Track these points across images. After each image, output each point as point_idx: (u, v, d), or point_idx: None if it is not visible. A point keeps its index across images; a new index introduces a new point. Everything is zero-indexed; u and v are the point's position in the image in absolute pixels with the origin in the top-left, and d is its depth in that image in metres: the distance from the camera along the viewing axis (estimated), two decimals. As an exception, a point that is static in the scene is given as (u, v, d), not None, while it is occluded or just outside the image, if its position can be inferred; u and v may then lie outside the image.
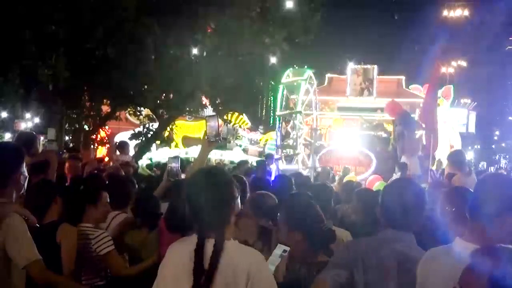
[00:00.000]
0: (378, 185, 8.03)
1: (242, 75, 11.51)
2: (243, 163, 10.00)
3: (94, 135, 12.41)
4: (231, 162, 15.21)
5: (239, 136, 21.82)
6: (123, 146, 9.20)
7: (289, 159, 13.27)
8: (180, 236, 2.34)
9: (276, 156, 13.06)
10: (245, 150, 20.51)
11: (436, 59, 11.96)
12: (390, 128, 16.84)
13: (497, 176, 2.59)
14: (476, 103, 34.82)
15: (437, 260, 2.22)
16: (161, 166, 10.49)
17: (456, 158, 6.38)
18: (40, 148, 6.05)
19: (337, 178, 9.91)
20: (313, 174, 12.10)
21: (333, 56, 24.06)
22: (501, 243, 1.98)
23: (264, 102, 24.75)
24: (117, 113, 12.44)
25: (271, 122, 22.36)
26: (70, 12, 9.10)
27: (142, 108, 12.47)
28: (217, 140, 3.23)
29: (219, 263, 2.02)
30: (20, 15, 8.86)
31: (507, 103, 43.27)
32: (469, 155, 33.12)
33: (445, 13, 36.13)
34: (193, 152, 16.78)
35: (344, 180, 8.72)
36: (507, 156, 42.11)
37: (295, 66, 13.64)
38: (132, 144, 12.32)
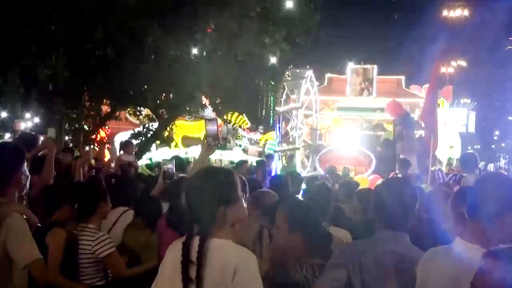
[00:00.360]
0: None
1: (242, 75, 11.52)
2: (243, 163, 10.01)
3: (94, 135, 12.42)
4: (231, 162, 15.20)
5: (239, 136, 21.82)
6: (127, 145, 9.22)
7: (290, 157, 13.26)
8: (179, 234, 2.36)
9: (276, 149, 13.08)
10: (245, 150, 20.51)
11: (436, 59, 11.93)
12: (389, 128, 16.85)
13: (496, 176, 2.59)
14: (476, 103, 34.81)
15: (437, 260, 2.22)
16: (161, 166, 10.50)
17: (467, 159, 6.78)
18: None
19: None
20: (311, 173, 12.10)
21: (333, 56, 24.03)
22: (501, 243, 1.99)
23: (264, 102, 24.77)
24: (117, 113, 12.44)
25: (271, 122, 22.38)
26: (70, 12, 9.10)
27: (142, 108, 12.48)
28: (217, 144, 3.24)
29: (207, 260, 2.08)
30: (20, 15, 8.86)
31: (507, 103, 43.21)
32: (469, 155, 32.93)
33: (445, 13, 36.10)
34: (193, 152, 16.77)
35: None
36: (507, 156, 42.05)
37: (291, 66, 13.63)
38: (132, 144, 12.34)
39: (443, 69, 30.27)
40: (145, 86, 10.89)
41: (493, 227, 2.06)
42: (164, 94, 11.60)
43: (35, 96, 12.64)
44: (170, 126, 12.68)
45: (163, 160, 4.31)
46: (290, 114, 13.41)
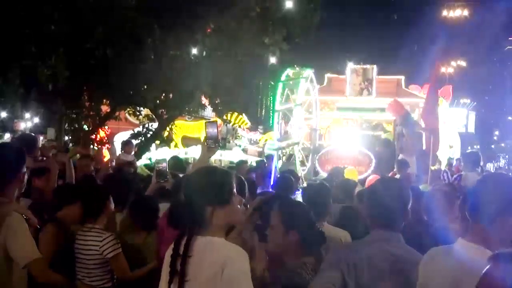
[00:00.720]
0: None
1: (242, 75, 11.51)
2: (242, 163, 10.01)
3: (94, 135, 12.42)
4: (231, 162, 15.20)
5: (239, 136, 21.80)
6: (126, 145, 9.23)
7: (289, 156, 13.26)
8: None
9: (276, 146, 13.06)
10: (244, 150, 20.48)
11: (436, 60, 11.92)
12: (389, 128, 16.85)
13: (497, 176, 2.58)
14: (475, 103, 34.83)
15: (439, 260, 2.21)
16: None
17: (469, 157, 7.30)
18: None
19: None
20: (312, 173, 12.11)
21: (333, 56, 24.03)
22: (502, 244, 1.98)
23: (264, 102, 24.75)
24: (117, 113, 12.44)
25: (271, 121, 22.36)
26: (70, 12, 9.10)
27: (141, 108, 12.48)
28: (217, 146, 3.26)
29: (196, 255, 2.14)
30: (20, 15, 8.86)
31: (507, 103, 43.23)
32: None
33: (444, 13, 36.11)
34: (193, 152, 16.76)
35: (345, 177, 8.70)
36: (507, 156, 42.07)
37: (295, 66, 13.64)
38: (132, 144, 12.34)
39: (443, 69, 30.26)
40: (145, 86, 10.88)
41: (495, 228, 2.06)
42: (164, 94, 11.60)
43: (35, 96, 12.66)
44: (170, 126, 12.68)
45: (156, 159, 4.31)
46: (290, 113, 13.42)
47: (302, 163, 13.07)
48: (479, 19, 34.03)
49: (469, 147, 28.52)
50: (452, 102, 22.55)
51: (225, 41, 10.83)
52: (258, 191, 5.29)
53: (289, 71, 13.36)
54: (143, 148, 12.14)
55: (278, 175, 7.52)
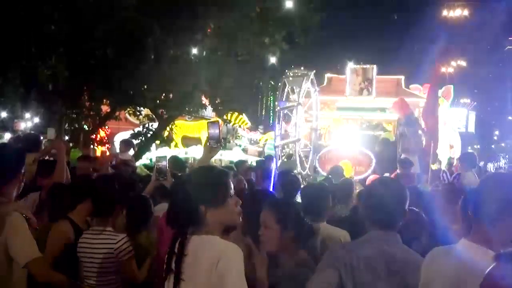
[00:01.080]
0: None
1: (242, 75, 11.51)
2: (242, 163, 10.01)
3: (94, 135, 12.41)
4: (231, 162, 15.20)
5: (239, 136, 21.82)
6: (121, 144, 9.23)
7: (289, 156, 13.25)
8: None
9: (276, 143, 13.04)
10: (244, 150, 20.51)
11: (436, 60, 11.89)
12: (389, 127, 16.84)
13: (500, 176, 2.58)
14: (476, 103, 34.84)
15: (441, 260, 2.20)
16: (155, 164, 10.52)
17: (466, 158, 7.51)
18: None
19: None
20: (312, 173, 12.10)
21: (333, 56, 24.04)
22: (504, 244, 1.98)
23: (264, 102, 24.77)
24: (117, 113, 12.43)
25: (271, 121, 22.36)
26: (70, 12, 9.10)
27: (141, 108, 12.47)
28: (219, 147, 3.26)
29: (190, 253, 2.15)
30: (20, 15, 8.87)
31: (507, 103, 43.22)
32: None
33: (445, 13, 36.09)
34: (193, 152, 16.76)
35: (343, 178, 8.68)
36: (507, 156, 42.06)
37: (292, 66, 13.64)
38: (132, 144, 12.33)
39: (443, 69, 30.24)
40: (145, 86, 10.88)
41: (496, 228, 2.06)
42: (164, 94, 11.60)
43: (35, 96, 12.66)
44: (170, 126, 12.68)
45: (156, 157, 4.29)
46: (291, 112, 13.41)
47: (302, 163, 13.06)
48: (479, 19, 34.04)
49: (469, 147, 28.55)
50: (452, 102, 22.54)
51: (225, 41, 10.83)
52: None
53: (290, 71, 13.37)
54: (143, 148, 12.14)
55: (280, 175, 7.50)
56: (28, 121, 32.81)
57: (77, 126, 11.93)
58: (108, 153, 12.06)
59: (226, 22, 10.50)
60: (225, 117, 15.11)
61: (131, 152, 11.03)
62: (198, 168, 2.54)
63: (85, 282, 3.39)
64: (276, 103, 13.84)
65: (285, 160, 12.91)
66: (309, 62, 15.64)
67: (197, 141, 17.61)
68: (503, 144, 48.90)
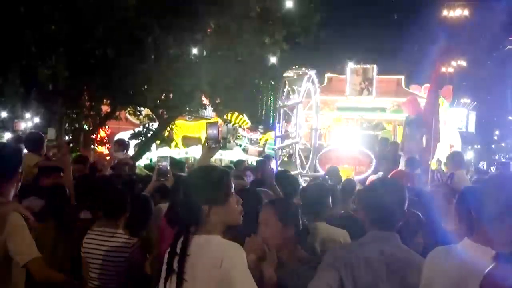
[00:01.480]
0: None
1: (242, 75, 11.50)
2: (241, 162, 10.02)
3: (94, 135, 12.41)
4: (231, 162, 15.22)
5: (239, 136, 21.84)
6: (117, 143, 9.25)
7: (289, 156, 13.27)
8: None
9: (277, 146, 13.06)
10: (245, 150, 20.55)
11: (436, 60, 11.85)
12: (389, 127, 16.85)
13: (501, 177, 2.58)
14: (476, 103, 34.83)
15: (444, 260, 2.20)
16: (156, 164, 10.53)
17: (453, 157, 7.48)
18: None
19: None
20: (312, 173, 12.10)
21: (333, 56, 24.04)
22: (507, 244, 1.98)
23: (264, 102, 24.77)
24: (117, 113, 12.43)
25: (271, 121, 22.36)
26: (70, 12, 9.09)
27: (142, 108, 12.47)
28: (218, 147, 3.27)
29: (193, 253, 2.15)
30: (20, 15, 8.86)
31: (507, 103, 43.20)
32: (469, 155, 33.11)
33: (445, 13, 36.08)
34: (193, 152, 16.78)
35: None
36: (507, 156, 42.06)
37: (295, 66, 13.65)
38: (132, 144, 12.32)
39: (443, 69, 30.22)
40: (145, 86, 10.87)
41: (499, 229, 2.06)
42: (164, 94, 11.59)
43: (35, 96, 12.65)
44: (170, 126, 12.68)
45: (157, 157, 4.28)
46: (291, 112, 13.43)
47: (301, 163, 13.07)
48: (479, 19, 34.05)
49: (470, 147, 28.56)
50: (452, 102, 22.54)
51: (225, 41, 10.83)
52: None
53: (291, 70, 13.38)
54: (143, 148, 12.14)
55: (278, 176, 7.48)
56: (28, 121, 32.81)
57: (77, 126, 11.93)
58: (107, 153, 12.05)
59: (226, 22, 10.50)
60: (225, 117, 15.11)
61: (131, 152, 11.03)
62: (199, 168, 2.54)
63: (89, 282, 3.38)
64: (278, 100, 13.85)
65: (285, 160, 12.94)
66: (309, 62, 15.64)
67: (197, 141, 17.62)
68: (503, 144, 48.92)
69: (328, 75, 18.62)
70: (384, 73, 18.51)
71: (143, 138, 11.96)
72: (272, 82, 13.07)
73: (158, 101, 11.54)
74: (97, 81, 10.17)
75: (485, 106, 39.70)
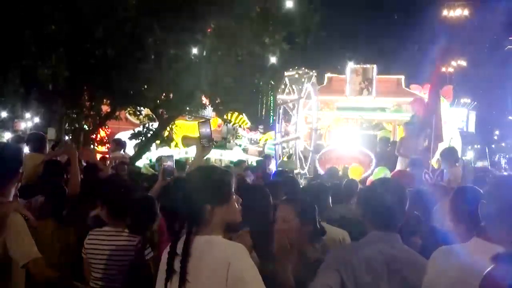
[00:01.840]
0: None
1: (242, 75, 11.50)
2: (241, 162, 10.03)
3: (94, 135, 12.41)
4: (231, 162, 15.22)
5: (239, 136, 21.86)
6: (114, 143, 9.26)
7: (289, 155, 13.28)
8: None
9: (276, 141, 13.07)
10: (245, 150, 20.54)
11: (436, 60, 11.84)
12: (389, 127, 16.84)
13: (504, 177, 2.59)
14: (476, 103, 34.82)
15: (447, 259, 2.20)
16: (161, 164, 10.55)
17: (447, 153, 7.49)
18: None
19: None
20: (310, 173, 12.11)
21: (333, 56, 24.05)
22: (504, 245, 1.98)
23: (264, 102, 24.76)
24: (117, 113, 12.43)
25: (271, 121, 22.35)
26: (70, 12, 9.09)
27: (142, 108, 12.47)
28: (211, 145, 3.28)
29: (196, 254, 2.13)
30: (20, 15, 8.86)
31: (507, 103, 43.20)
32: (469, 155, 33.12)
33: (445, 13, 36.09)
34: (193, 152, 16.75)
35: (349, 176, 8.71)
36: (507, 156, 42.03)
37: (296, 67, 13.66)
38: (132, 144, 12.32)
39: (443, 69, 30.23)
40: (145, 86, 10.87)
41: (495, 229, 2.06)
42: (164, 94, 11.60)
43: (35, 96, 12.65)
44: (170, 126, 12.68)
45: (162, 157, 4.28)
46: (291, 111, 13.44)
47: (301, 163, 13.09)
48: (479, 19, 34.06)
49: (470, 147, 28.57)
50: (452, 102, 22.53)
51: (225, 41, 10.83)
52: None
53: (291, 70, 13.40)
54: (143, 148, 12.15)
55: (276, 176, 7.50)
56: (28, 121, 32.83)
57: (77, 126, 11.92)
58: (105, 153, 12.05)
59: (226, 22, 10.50)
60: (225, 117, 15.11)
61: (131, 152, 11.04)
62: (200, 168, 2.53)
63: (92, 282, 3.37)
64: (278, 97, 13.86)
65: (285, 159, 12.94)
66: (309, 62, 15.64)
67: (197, 141, 17.60)
68: (503, 144, 48.90)
69: (328, 75, 18.60)
70: (384, 73, 18.50)
71: (143, 138, 11.96)
72: (272, 82, 13.07)
73: (158, 101, 11.54)
74: (97, 81, 10.16)
75: (485, 106, 39.66)
